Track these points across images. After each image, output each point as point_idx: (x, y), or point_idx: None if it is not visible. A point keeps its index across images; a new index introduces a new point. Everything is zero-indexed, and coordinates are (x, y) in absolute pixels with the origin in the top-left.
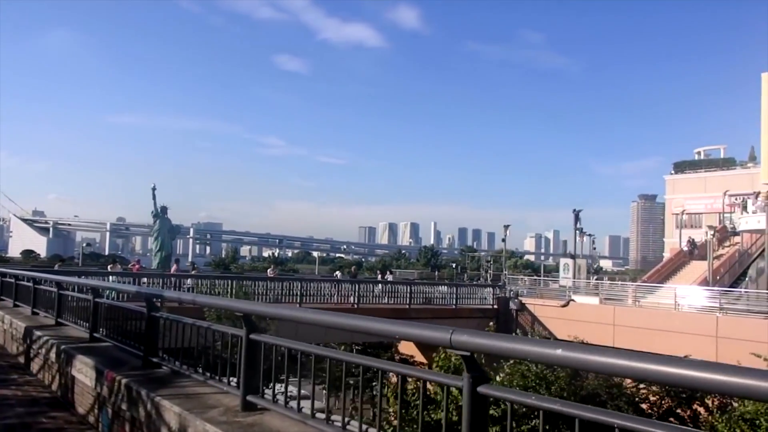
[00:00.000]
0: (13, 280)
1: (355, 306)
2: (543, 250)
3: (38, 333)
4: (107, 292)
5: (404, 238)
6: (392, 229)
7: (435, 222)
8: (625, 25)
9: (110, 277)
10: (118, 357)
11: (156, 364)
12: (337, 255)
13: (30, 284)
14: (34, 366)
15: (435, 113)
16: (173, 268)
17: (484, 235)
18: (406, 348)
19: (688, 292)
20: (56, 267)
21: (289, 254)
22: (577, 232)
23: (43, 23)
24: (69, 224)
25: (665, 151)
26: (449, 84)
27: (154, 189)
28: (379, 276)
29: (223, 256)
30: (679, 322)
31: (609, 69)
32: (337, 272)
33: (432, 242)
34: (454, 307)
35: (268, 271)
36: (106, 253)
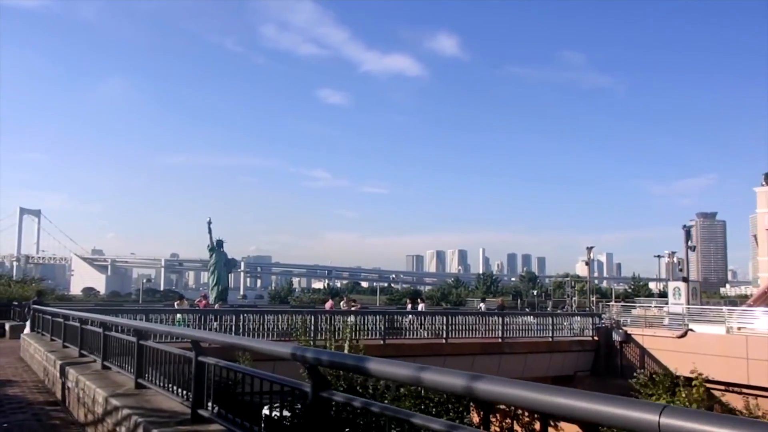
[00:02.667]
0: (78, 324)
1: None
2: (597, 274)
3: (114, 401)
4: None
5: (452, 266)
6: (440, 256)
7: (483, 248)
8: (670, 41)
9: (178, 315)
10: None
11: None
12: (387, 284)
13: (99, 329)
14: None
15: (476, 139)
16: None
17: (534, 261)
18: None
19: None
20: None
21: (338, 285)
22: (689, 250)
23: (100, 72)
24: (126, 261)
25: (722, 168)
26: (490, 109)
27: (209, 223)
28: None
29: (273, 288)
30: None
31: (655, 86)
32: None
33: (481, 269)
34: (550, 339)
35: (342, 303)
36: (161, 288)
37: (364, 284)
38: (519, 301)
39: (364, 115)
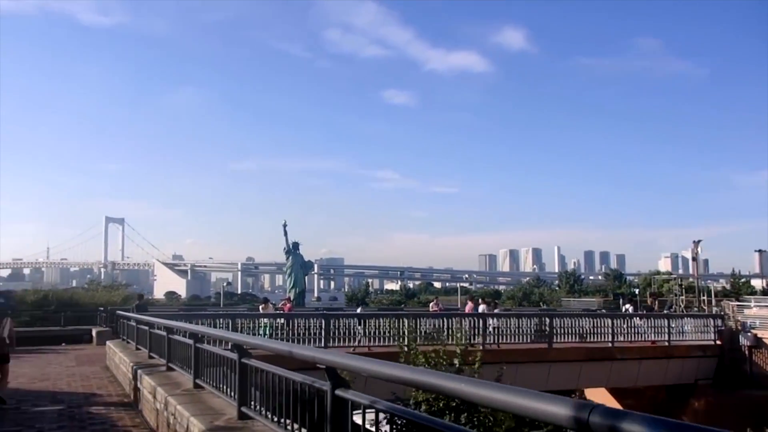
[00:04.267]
0: (164, 333)
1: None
2: (681, 271)
3: None
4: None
5: (527, 265)
6: (513, 255)
7: (558, 246)
8: (755, 16)
9: (263, 319)
10: None
11: None
12: (470, 284)
13: (189, 341)
14: None
15: (546, 135)
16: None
17: (613, 258)
18: (595, 395)
19: None
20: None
21: (411, 286)
22: None
23: (175, 82)
24: (204, 266)
25: None
26: (559, 103)
27: (285, 226)
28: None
29: (347, 289)
30: None
31: (741, 67)
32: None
33: (557, 267)
34: (667, 344)
35: (431, 305)
36: (239, 291)
37: (437, 285)
38: (621, 301)
39: (430, 114)
